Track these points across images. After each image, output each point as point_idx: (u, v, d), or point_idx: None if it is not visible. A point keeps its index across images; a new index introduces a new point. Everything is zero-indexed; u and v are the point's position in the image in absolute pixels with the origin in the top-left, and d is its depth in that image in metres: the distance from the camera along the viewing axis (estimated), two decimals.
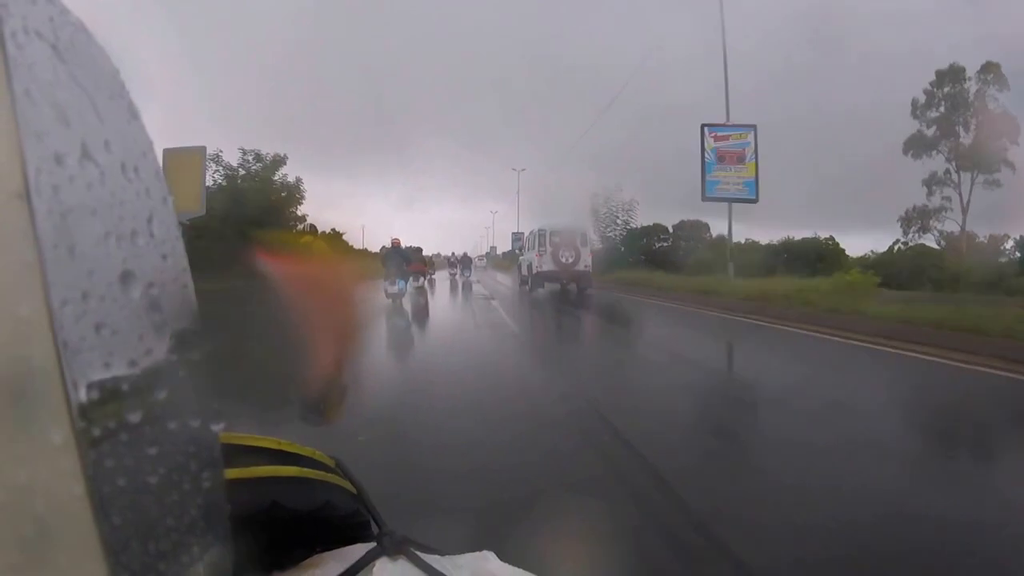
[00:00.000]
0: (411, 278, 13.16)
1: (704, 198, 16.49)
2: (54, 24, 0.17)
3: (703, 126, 16.53)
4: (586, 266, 13.64)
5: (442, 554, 0.34)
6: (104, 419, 0.17)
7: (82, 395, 0.16)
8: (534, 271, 14.07)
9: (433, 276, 13.52)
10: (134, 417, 0.19)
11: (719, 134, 16.44)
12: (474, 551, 0.35)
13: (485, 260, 47.03)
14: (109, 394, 0.18)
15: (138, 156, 0.20)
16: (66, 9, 0.18)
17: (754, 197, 16.17)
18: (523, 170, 38.97)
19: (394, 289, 9.18)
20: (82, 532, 0.16)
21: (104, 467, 0.17)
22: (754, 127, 16.55)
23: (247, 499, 0.29)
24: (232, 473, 0.28)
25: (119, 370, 0.18)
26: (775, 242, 23.36)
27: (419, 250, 13.58)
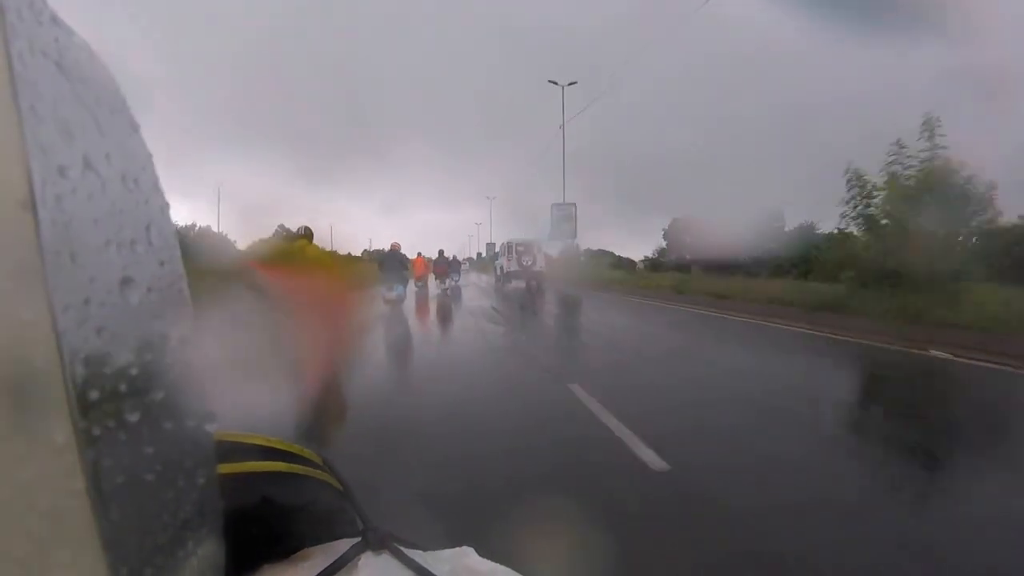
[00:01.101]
0: (444, 280, 14.22)
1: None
2: (59, 44, 0.18)
3: None
4: (540, 268, 19.63)
5: (424, 549, 0.35)
6: (104, 419, 0.18)
7: (83, 396, 0.17)
8: (504, 271, 20.45)
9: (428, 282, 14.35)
10: (132, 417, 0.20)
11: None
12: (455, 546, 0.36)
13: (467, 264, 47.76)
14: (109, 395, 0.19)
15: (138, 168, 0.21)
16: (70, 30, 0.19)
17: None
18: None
19: (392, 295, 8.94)
20: (82, 527, 0.17)
21: (103, 465, 0.18)
22: None
23: (238, 494, 0.30)
24: (225, 469, 0.29)
25: (118, 372, 0.19)
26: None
27: (441, 253, 15.36)
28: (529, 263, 19.52)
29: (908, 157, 9.38)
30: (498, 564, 0.35)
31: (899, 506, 2.31)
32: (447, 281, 14.51)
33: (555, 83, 26.35)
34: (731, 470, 2.63)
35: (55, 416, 0.16)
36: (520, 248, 20.10)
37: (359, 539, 0.34)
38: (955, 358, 5.65)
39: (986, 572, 1.81)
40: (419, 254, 14.33)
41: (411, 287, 11.39)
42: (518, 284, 19.44)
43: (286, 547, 0.34)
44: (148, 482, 0.20)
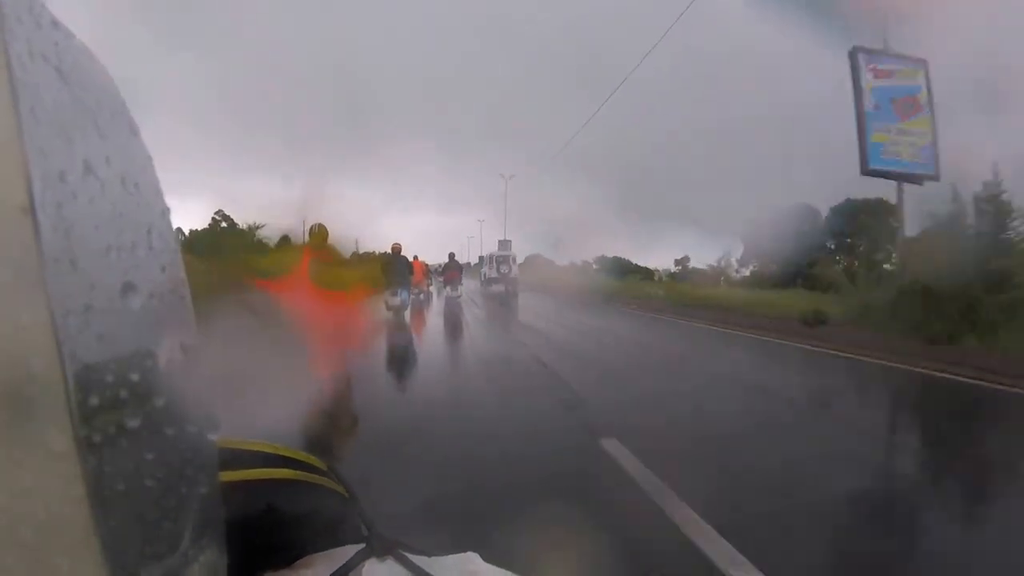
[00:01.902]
0: (456, 287, 14.33)
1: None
2: (59, 48, 0.18)
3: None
4: (515, 275, 24.56)
5: (429, 555, 0.35)
6: (104, 425, 0.18)
7: (83, 402, 0.17)
8: (487, 277, 25.51)
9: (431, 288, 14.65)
10: (133, 423, 0.19)
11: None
12: (460, 552, 0.36)
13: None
14: (109, 401, 0.18)
15: (138, 171, 0.21)
16: (70, 33, 0.18)
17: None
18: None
19: (396, 301, 8.57)
20: (82, 535, 0.17)
21: (104, 472, 0.18)
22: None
23: (242, 501, 0.30)
24: (227, 476, 0.29)
25: (119, 378, 0.19)
26: None
27: (452, 256, 15.40)
28: (506, 271, 24.92)
29: None
30: (503, 570, 0.34)
31: None
32: (459, 288, 14.47)
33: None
34: None
35: (55, 422, 0.16)
36: (499, 258, 25.62)
37: (364, 545, 0.34)
38: None
39: None
40: (416, 257, 13.81)
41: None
42: (498, 288, 23.82)
43: (290, 555, 0.34)
44: (149, 489, 0.20)
